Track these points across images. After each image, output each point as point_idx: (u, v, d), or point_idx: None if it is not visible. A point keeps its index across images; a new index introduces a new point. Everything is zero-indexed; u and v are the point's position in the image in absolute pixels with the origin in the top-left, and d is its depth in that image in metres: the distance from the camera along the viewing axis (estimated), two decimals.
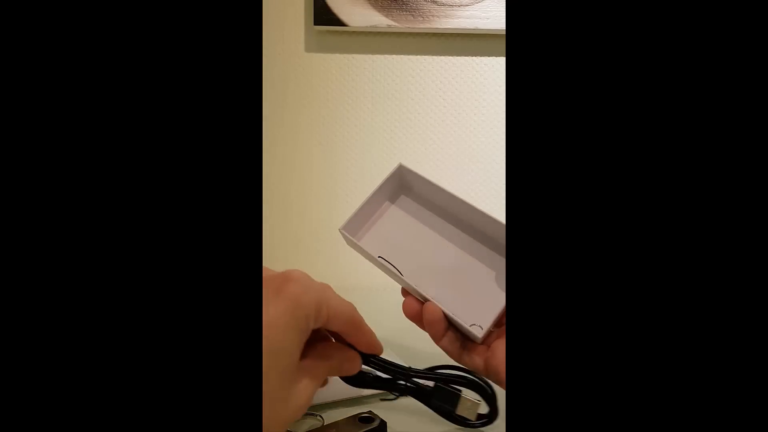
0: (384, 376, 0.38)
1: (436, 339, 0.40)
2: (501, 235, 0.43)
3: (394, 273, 0.42)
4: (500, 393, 0.38)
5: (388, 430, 0.41)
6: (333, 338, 0.35)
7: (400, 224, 0.47)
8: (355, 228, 0.45)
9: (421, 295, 0.40)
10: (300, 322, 0.29)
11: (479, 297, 0.42)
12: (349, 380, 0.36)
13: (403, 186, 0.48)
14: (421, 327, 0.40)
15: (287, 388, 0.29)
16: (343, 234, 0.44)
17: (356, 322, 0.33)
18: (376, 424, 0.40)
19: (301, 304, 0.29)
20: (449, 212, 0.46)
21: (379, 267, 0.43)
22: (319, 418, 0.44)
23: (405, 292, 0.42)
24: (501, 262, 0.44)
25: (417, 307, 0.40)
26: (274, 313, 0.28)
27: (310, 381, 0.30)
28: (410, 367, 0.39)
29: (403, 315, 0.41)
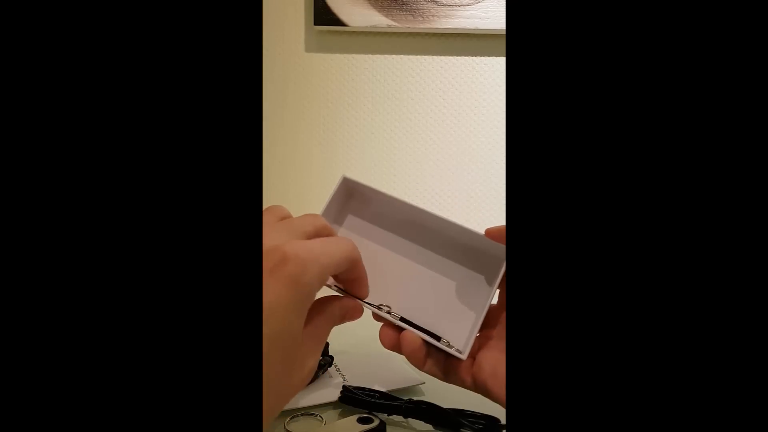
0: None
1: (419, 366, 0.37)
2: (455, 237, 0.41)
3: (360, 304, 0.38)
4: (495, 406, 0.38)
5: (387, 430, 0.41)
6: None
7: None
8: None
9: (390, 323, 0.38)
10: (302, 303, 0.28)
11: (449, 312, 0.40)
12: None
13: (349, 201, 0.44)
14: (401, 354, 0.38)
15: (290, 368, 0.28)
16: None
17: (355, 270, 0.34)
18: (375, 424, 0.40)
19: (301, 285, 0.27)
20: (399, 220, 0.43)
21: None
22: (319, 418, 0.44)
23: (377, 317, 0.39)
24: (460, 270, 0.41)
25: (394, 336, 0.37)
26: (272, 295, 0.26)
27: (313, 347, 0.30)
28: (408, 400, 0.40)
29: None
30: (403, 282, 0.42)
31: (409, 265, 0.42)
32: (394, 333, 0.37)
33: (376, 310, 0.38)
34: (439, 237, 0.42)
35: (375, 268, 0.41)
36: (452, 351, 0.36)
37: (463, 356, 0.36)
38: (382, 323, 0.38)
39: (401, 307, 0.39)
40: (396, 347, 0.37)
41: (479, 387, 0.36)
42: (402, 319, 0.38)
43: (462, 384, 0.37)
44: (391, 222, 0.43)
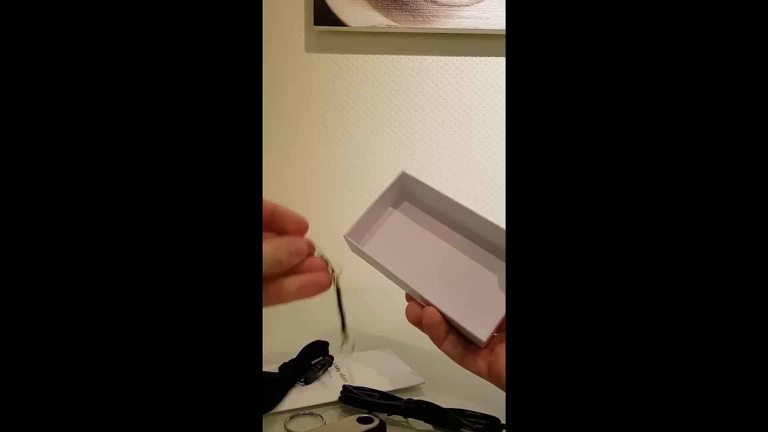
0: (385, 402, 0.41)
1: (438, 342, 0.40)
2: (502, 240, 0.43)
3: (396, 278, 0.42)
4: (495, 406, 0.39)
5: (387, 429, 0.41)
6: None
7: (402, 229, 0.47)
8: (359, 234, 0.46)
9: (422, 299, 0.40)
10: None
11: (482, 301, 0.42)
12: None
13: (405, 192, 0.48)
14: (423, 331, 0.40)
15: None
16: (347, 240, 0.45)
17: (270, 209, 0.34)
18: (375, 424, 0.40)
19: None
20: (450, 218, 0.47)
21: (381, 272, 0.44)
22: (319, 417, 0.44)
23: (409, 298, 0.42)
24: (502, 266, 0.44)
25: (419, 312, 0.40)
26: None
27: None
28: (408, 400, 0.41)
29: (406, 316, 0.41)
30: (442, 265, 0.45)
31: (450, 251, 0.45)
32: (418, 308, 0.40)
33: (407, 284, 0.40)
34: (481, 234, 0.45)
35: (418, 248, 0.46)
36: (472, 333, 0.38)
37: (483, 342, 0.38)
38: (406, 304, 0.41)
39: (436, 288, 0.42)
40: (418, 322, 0.40)
41: (493, 376, 0.38)
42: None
43: (477, 370, 0.39)
44: (438, 213, 0.47)
